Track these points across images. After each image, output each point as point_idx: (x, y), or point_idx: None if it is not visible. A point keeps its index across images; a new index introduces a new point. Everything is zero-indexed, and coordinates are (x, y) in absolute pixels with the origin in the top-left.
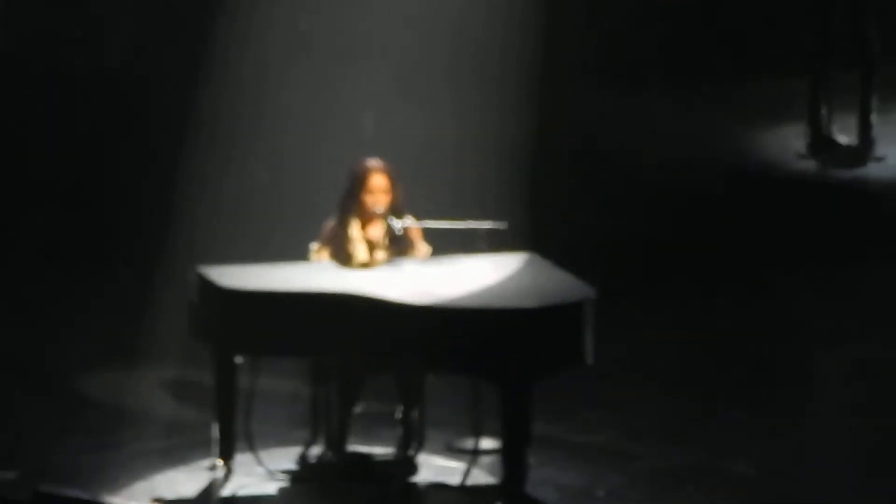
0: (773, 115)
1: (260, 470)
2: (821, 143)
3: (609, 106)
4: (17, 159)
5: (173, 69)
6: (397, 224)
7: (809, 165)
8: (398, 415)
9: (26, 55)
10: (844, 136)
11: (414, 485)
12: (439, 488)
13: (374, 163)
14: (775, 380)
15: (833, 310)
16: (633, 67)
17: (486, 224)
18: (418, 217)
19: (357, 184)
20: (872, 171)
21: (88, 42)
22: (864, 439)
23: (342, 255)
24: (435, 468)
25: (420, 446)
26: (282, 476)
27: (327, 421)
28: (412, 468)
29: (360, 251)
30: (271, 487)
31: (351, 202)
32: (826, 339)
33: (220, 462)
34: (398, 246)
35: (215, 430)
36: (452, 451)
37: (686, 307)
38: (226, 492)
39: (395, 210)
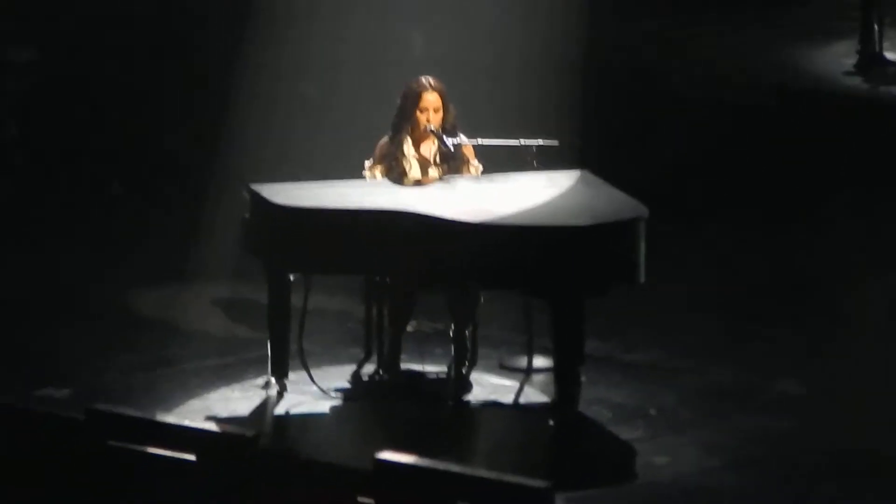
0: (824, 33)
1: (313, 388)
2: (870, 60)
3: (658, 27)
4: (72, 87)
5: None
6: (449, 141)
7: (857, 82)
8: (450, 333)
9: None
10: (894, 54)
11: (467, 403)
12: (492, 407)
13: (426, 80)
14: (823, 300)
15: (880, 230)
16: None
17: (537, 141)
18: (471, 135)
19: (410, 102)
20: None
21: None
22: None
23: (395, 173)
24: (488, 386)
25: (472, 365)
26: (335, 394)
27: (380, 340)
28: (465, 387)
29: (413, 168)
30: (324, 406)
31: (404, 120)
32: (872, 259)
33: (273, 380)
34: (451, 163)
35: (268, 349)
36: (505, 369)
37: (734, 226)
38: (279, 410)
39: (448, 128)
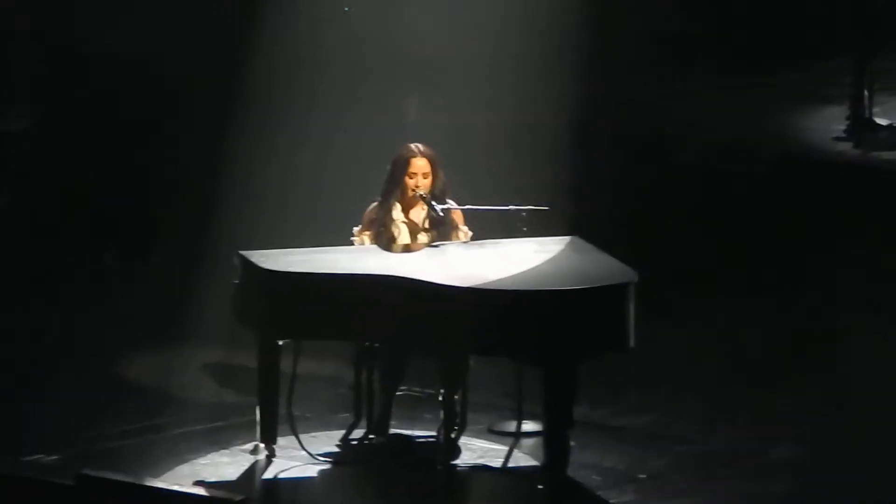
0: (815, 99)
1: (302, 453)
2: (860, 125)
3: (650, 92)
4: (62, 143)
5: (219, 55)
6: (439, 207)
7: (848, 147)
8: (440, 397)
9: (64, 40)
10: (885, 119)
11: (456, 467)
12: (481, 471)
13: (416, 147)
14: (818, 364)
15: (872, 293)
16: (674, 53)
17: (528, 207)
18: (460, 200)
19: (399, 167)
20: None
21: (132, 27)
22: None
23: (384, 239)
24: (477, 451)
25: (462, 429)
26: (324, 459)
27: (369, 404)
28: (454, 451)
29: (402, 234)
30: (313, 471)
31: (393, 186)
32: (867, 321)
33: (262, 445)
34: (440, 229)
35: (258, 414)
36: (494, 433)
37: (728, 290)
38: (268, 475)
39: (437, 193)
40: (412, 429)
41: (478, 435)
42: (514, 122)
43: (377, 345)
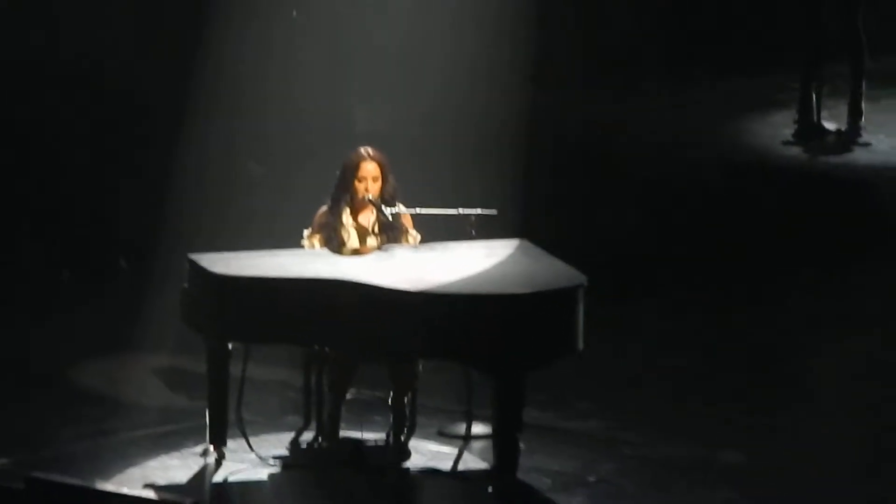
0: (763, 105)
1: (252, 456)
2: (809, 131)
3: (597, 99)
4: (10, 151)
5: (167, 60)
6: (388, 211)
7: (797, 152)
8: (390, 401)
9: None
10: (833, 123)
11: (406, 470)
12: (431, 474)
13: (365, 150)
14: (768, 371)
15: (823, 302)
16: (621, 60)
17: (476, 210)
18: (409, 204)
19: (348, 172)
20: (861, 157)
21: (82, 33)
22: (854, 434)
23: (334, 243)
24: (426, 454)
25: (411, 432)
26: (273, 462)
27: (319, 407)
28: (404, 454)
29: (351, 238)
30: (263, 473)
31: (343, 190)
32: (817, 327)
33: (212, 448)
34: (389, 233)
35: (207, 417)
36: (444, 436)
37: (678, 297)
38: (218, 478)
39: (387, 197)
40: (362, 432)
41: (427, 438)
42: (464, 128)
43: (327, 348)
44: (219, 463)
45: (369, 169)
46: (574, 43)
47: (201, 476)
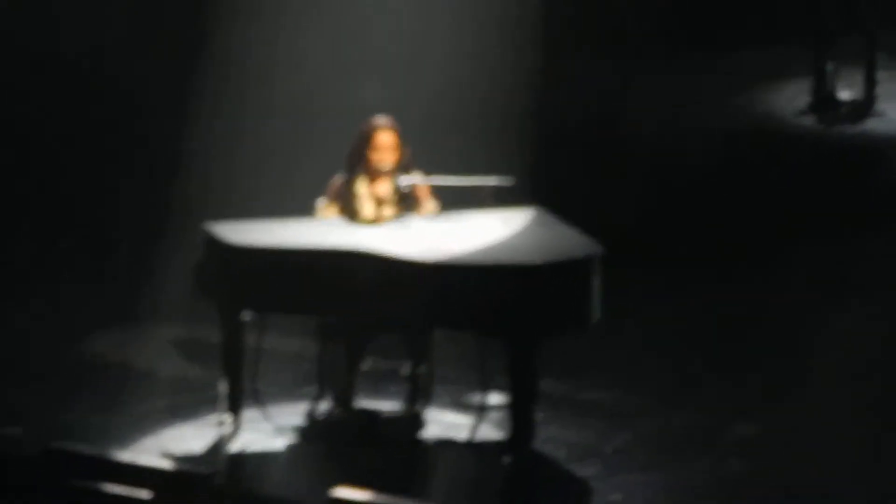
0: (778, 76)
1: (268, 426)
2: (823, 101)
3: (610, 69)
4: (24, 119)
5: (181, 29)
6: (404, 181)
7: (811, 122)
8: (405, 371)
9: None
10: (847, 93)
11: (421, 441)
12: (447, 444)
13: (381, 120)
14: (778, 342)
15: (836, 270)
16: (634, 30)
17: (492, 180)
18: (425, 174)
19: (364, 141)
20: (876, 126)
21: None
22: (864, 404)
23: (349, 212)
24: (442, 424)
25: (427, 402)
26: (289, 432)
27: (334, 378)
28: (419, 424)
29: (367, 208)
30: (279, 443)
31: (358, 159)
32: (828, 299)
33: (228, 418)
34: (405, 203)
35: (223, 387)
36: (460, 406)
37: (690, 268)
38: (234, 448)
39: (403, 167)
40: (377, 402)
41: (443, 408)
42: (478, 98)
43: (342, 318)
44: (234, 433)
45: (385, 139)
46: (584, 11)
47: (217, 446)
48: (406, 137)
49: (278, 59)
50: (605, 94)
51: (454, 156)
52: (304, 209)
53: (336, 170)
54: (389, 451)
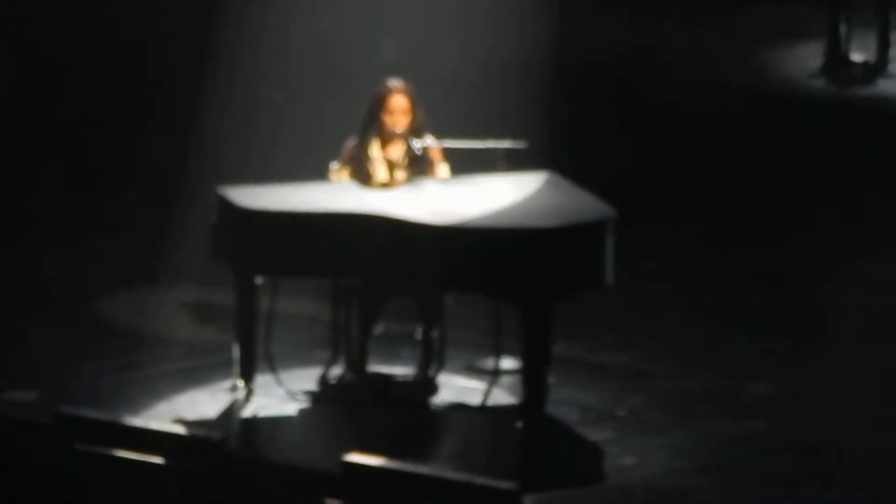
0: (791, 36)
1: (280, 391)
2: (835, 62)
3: (625, 29)
4: (40, 87)
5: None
6: (417, 144)
7: (823, 84)
8: (418, 335)
9: None
10: (860, 55)
11: (435, 405)
12: (460, 408)
13: (394, 83)
14: (794, 301)
15: (850, 230)
16: None
17: (505, 143)
18: (438, 137)
19: (377, 104)
20: (888, 88)
21: None
22: (883, 361)
23: (362, 175)
24: (455, 388)
25: (440, 366)
26: (302, 397)
27: (347, 342)
28: (432, 388)
29: (380, 171)
30: (292, 408)
31: (371, 122)
32: (844, 260)
33: (240, 383)
34: (418, 166)
35: (236, 352)
36: (473, 371)
37: (704, 228)
38: (246, 413)
39: (416, 130)
40: (390, 367)
41: (456, 372)
42: (490, 60)
43: (355, 282)
44: (247, 398)
45: (398, 102)
46: None
47: (230, 411)
48: (420, 100)
49: (293, 19)
50: (619, 50)
51: (471, 117)
52: (317, 173)
53: (350, 132)
54: (402, 416)
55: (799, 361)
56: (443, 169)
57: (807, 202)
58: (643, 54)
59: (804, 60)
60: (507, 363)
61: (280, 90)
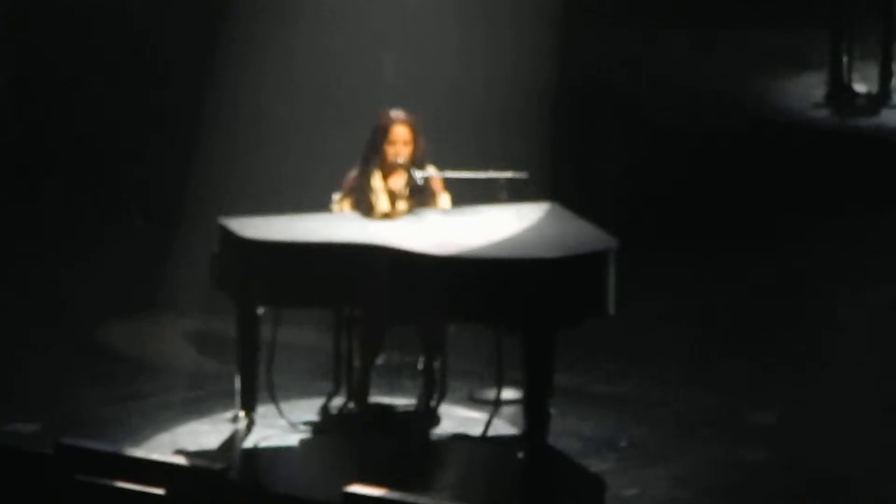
0: (794, 64)
1: (282, 421)
2: (838, 92)
3: (628, 52)
4: (43, 109)
5: (196, 18)
6: (418, 175)
7: (826, 114)
8: (420, 366)
9: None
10: (863, 85)
11: (436, 436)
12: (461, 439)
13: (396, 114)
14: (796, 328)
15: (850, 258)
16: (652, 12)
17: (507, 174)
18: (440, 167)
19: (379, 135)
20: (892, 119)
21: None
22: (885, 385)
23: (364, 206)
24: (457, 419)
25: (442, 397)
26: (303, 427)
27: (349, 372)
28: (434, 419)
29: (381, 202)
30: (293, 439)
31: (373, 153)
32: (844, 286)
33: (242, 413)
34: (420, 197)
35: (237, 382)
36: (474, 401)
37: (706, 255)
38: (248, 443)
39: (417, 161)
40: (392, 397)
41: (457, 403)
42: (492, 88)
43: (357, 313)
44: (249, 428)
45: (400, 132)
46: None
47: (231, 441)
48: (421, 130)
49: (296, 39)
50: (621, 73)
51: (471, 140)
52: (319, 204)
53: (352, 163)
54: (403, 446)
55: (801, 387)
56: (444, 199)
57: (806, 231)
58: (645, 76)
59: (806, 89)
60: (509, 393)
61: (287, 115)
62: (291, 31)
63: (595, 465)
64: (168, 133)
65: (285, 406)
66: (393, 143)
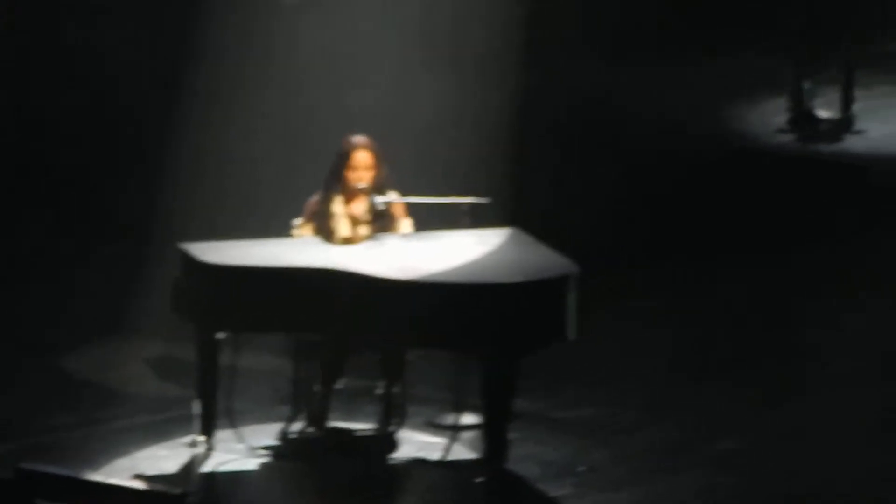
0: (755, 90)
1: (241, 446)
2: (801, 118)
3: (591, 79)
4: (7, 137)
5: (160, 47)
6: (380, 200)
7: (789, 139)
8: (379, 391)
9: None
10: (825, 111)
11: (395, 460)
12: (420, 464)
13: (358, 139)
14: (762, 355)
15: (814, 286)
16: (615, 40)
17: (468, 199)
18: (402, 193)
19: (341, 160)
20: (854, 144)
21: (78, 16)
22: (851, 416)
23: (325, 231)
24: (416, 444)
25: (401, 422)
26: (263, 452)
27: (308, 397)
28: (393, 444)
29: (342, 227)
30: (252, 464)
31: (335, 178)
32: (808, 313)
33: (201, 438)
34: (381, 222)
35: (197, 407)
36: (433, 426)
37: (669, 281)
38: (207, 468)
39: (379, 186)
40: (351, 422)
41: (417, 428)
42: (456, 112)
43: (317, 338)
44: (208, 453)
45: (362, 158)
46: (568, 19)
47: (190, 466)
48: (384, 155)
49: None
50: (587, 102)
51: (431, 173)
52: (279, 229)
53: (314, 189)
54: (363, 472)
55: (766, 412)
56: (406, 224)
57: (773, 255)
58: (611, 104)
59: (769, 115)
60: (468, 418)
61: (248, 141)
62: (265, 66)
63: (553, 491)
64: (134, 160)
65: (245, 430)
66: (355, 168)
